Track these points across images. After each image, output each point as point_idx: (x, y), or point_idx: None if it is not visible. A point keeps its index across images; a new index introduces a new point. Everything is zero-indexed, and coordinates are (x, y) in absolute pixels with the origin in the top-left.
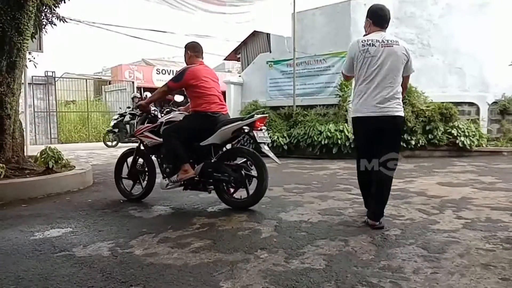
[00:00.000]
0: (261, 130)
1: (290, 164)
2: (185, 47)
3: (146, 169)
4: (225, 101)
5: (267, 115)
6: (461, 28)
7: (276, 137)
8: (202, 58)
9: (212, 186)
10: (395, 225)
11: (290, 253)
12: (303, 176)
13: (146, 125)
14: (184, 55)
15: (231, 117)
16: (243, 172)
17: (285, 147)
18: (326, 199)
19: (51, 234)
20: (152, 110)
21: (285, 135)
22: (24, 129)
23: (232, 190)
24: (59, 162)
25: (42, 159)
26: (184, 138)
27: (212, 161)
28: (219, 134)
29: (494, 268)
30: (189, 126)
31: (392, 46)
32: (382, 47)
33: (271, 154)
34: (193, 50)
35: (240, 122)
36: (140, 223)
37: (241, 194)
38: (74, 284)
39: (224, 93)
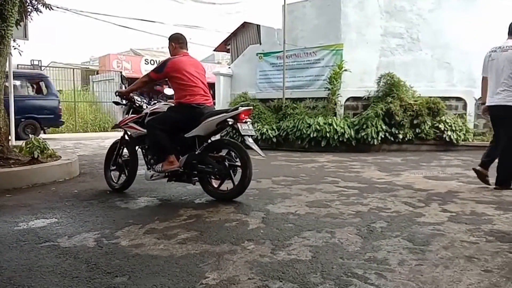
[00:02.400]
0: (246, 122)
1: (278, 156)
2: (169, 39)
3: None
4: (213, 92)
5: (251, 107)
6: (450, 23)
7: (265, 129)
8: (187, 49)
9: (196, 178)
10: (381, 218)
11: (277, 244)
12: (291, 168)
13: (130, 115)
14: (169, 47)
15: (217, 109)
16: (226, 163)
17: (274, 139)
18: (314, 192)
19: (36, 225)
20: (139, 101)
21: (274, 127)
22: (9, 118)
23: (219, 182)
24: (45, 152)
25: (28, 149)
26: (168, 129)
27: (197, 152)
28: (203, 126)
29: (477, 260)
30: (173, 118)
31: (507, 50)
32: (500, 52)
33: (255, 147)
34: (177, 41)
35: (224, 114)
36: (127, 214)
37: (227, 185)
38: (58, 275)
39: (211, 85)
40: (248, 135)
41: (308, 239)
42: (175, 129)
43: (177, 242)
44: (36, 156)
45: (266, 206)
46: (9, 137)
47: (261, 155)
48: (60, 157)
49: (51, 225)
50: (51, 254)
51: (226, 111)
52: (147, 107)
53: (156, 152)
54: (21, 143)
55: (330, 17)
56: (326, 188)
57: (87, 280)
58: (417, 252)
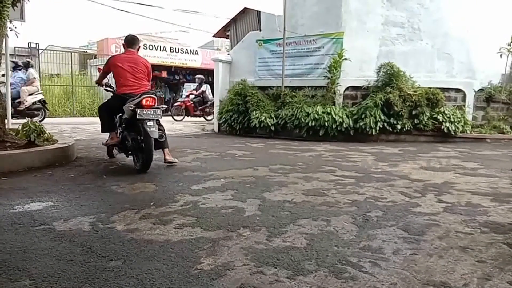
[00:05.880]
0: (153, 108)
1: (276, 145)
2: None
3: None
4: (212, 79)
5: (153, 95)
6: (451, 12)
7: (263, 117)
8: (134, 48)
9: (130, 152)
10: (377, 207)
11: (273, 231)
12: (288, 157)
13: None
14: None
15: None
16: (139, 139)
17: (272, 128)
18: (311, 180)
19: (31, 208)
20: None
21: (273, 116)
22: (5, 101)
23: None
24: (41, 135)
25: (24, 132)
26: (109, 111)
27: (119, 131)
28: (124, 110)
29: (472, 250)
30: (110, 103)
31: None
32: None
33: (148, 130)
34: (125, 42)
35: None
36: (123, 199)
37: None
38: (53, 258)
39: (210, 71)
40: (146, 119)
41: (304, 226)
42: (114, 112)
43: (172, 227)
44: (32, 139)
45: (262, 194)
46: (5, 120)
47: (152, 137)
48: (57, 141)
49: (46, 209)
50: (46, 237)
51: (133, 99)
52: None
53: (105, 129)
54: (17, 126)
55: (330, 4)
56: (323, 177)
57: (82, 263)
58: (412, 241)
